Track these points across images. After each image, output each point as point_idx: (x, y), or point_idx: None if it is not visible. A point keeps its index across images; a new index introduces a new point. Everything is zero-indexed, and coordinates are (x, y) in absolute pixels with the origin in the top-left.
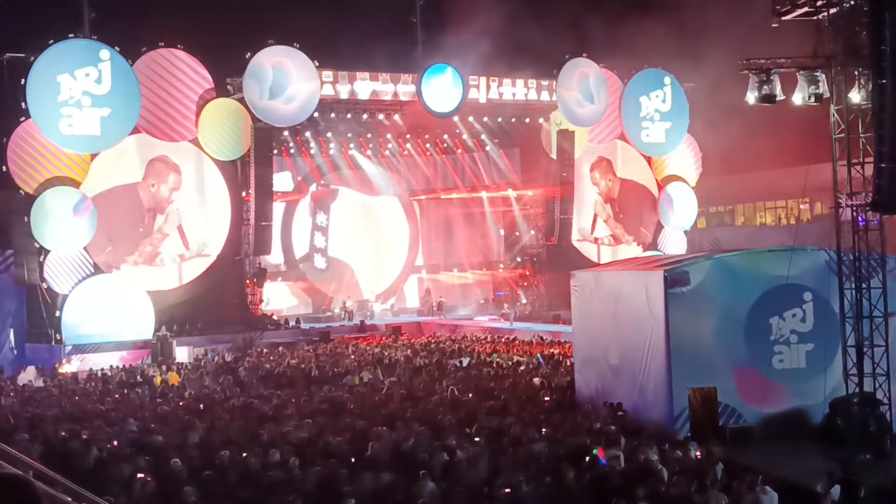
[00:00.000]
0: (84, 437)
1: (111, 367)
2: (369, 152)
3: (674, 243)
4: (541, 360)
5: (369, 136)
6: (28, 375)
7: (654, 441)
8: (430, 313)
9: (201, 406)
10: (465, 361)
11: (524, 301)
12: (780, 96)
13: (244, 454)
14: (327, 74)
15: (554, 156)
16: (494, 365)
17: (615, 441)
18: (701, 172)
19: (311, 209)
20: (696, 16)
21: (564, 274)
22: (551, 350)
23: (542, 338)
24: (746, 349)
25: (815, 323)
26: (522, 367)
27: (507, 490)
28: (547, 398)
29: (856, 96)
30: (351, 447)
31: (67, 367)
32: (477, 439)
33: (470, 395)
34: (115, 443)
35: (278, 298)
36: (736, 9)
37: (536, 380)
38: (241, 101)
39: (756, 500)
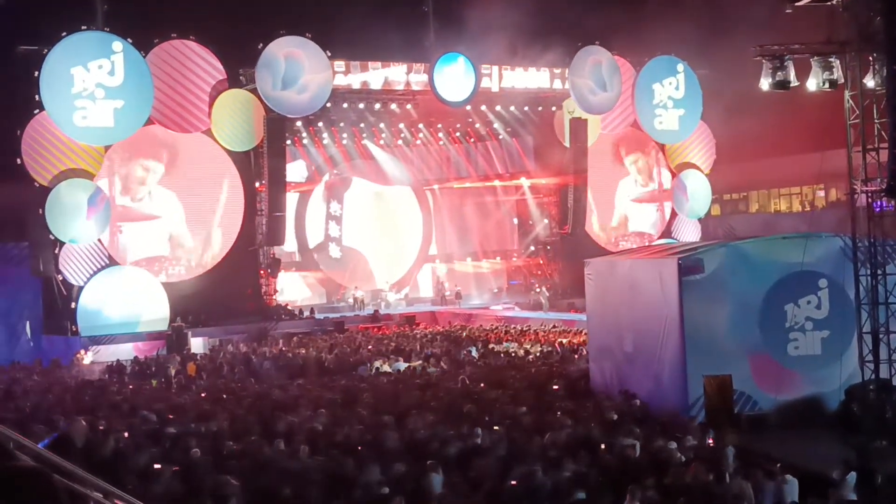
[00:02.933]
0: (101, 427)
1: (136, 357)
2: (382, 142)
3: (688, 231)
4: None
5: (382, 125)
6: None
7: (669, 429)
8: (444, 302)
9: (216, 396)
10: (473, 351)
11: (538, 290)
12: (794, 82)
13: (259, 444)
14: (339, 64)
15: (567, 144)
16: (510, 354)
17: (630, 429)
18: (715, 160)
19: (324, 198)
20: (709, 2)
21: (578, 262)
22: (562, 339)
23: (554, 326)
24: (761, 336)
25: (831, 310)
26: (535, 356)
27: (522, 479)
28: (558, 387)
29: (870, 82)
30: (365, 437)
31: (84, 359)
32: (497, 427)
33: (483, 384)
34: (133, 433)
35: (292, 289)
36: None
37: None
38: (254, 91)
39: (777, 490)
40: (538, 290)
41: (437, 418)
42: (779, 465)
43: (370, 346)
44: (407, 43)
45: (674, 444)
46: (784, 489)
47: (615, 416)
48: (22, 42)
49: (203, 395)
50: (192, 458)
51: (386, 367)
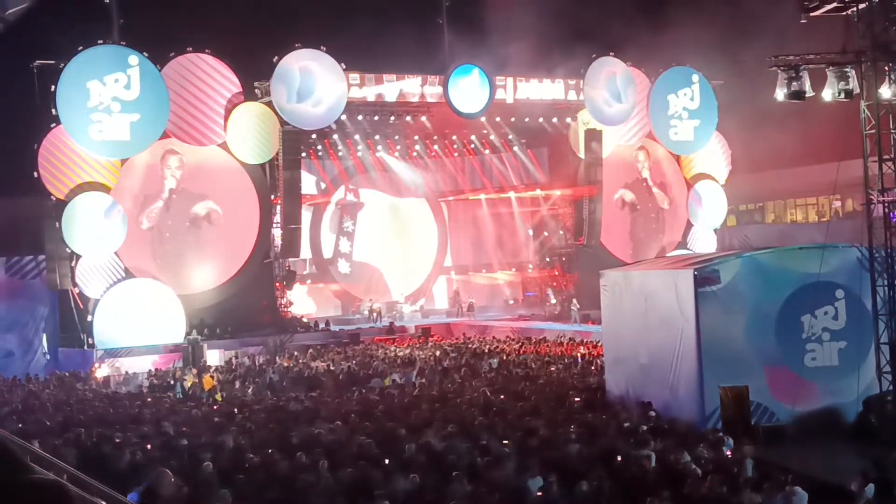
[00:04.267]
0: (117, 440)
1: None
2: (397, 154)
3: (703, 242)
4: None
5: (397, 137)
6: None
7: (685, 440)
8: (460, 314)
9: (233, 409)
10: (495, 362)
11: (553, 301)
12: (809, 93)
13: (275, 457)
14: (354, 77)
15: (582, 155)
16: (526, 365)
17: (646, 441)
18: (730, 170)
19: (337, 215)
20: (724, 13)
21: (594, 273)
22: (578, 351)
23: (571, 338)
24: (778, 347)
25: (848, 320)
26: (552, 368)
27: (539, 491)
28: (577, 398)
29: (886, 92)
30: (381, 449)
31: (100, 372)
32: (507, 441)
33: (501, 396)
34: (149, 446)
35: (308, 301)
36: (764, 5)
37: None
38: (269, 104)
39: (786, 501)
40: (553, 301)
41: (454, 430)
42: (790, 476)
43: (385, 358)
44: (422, 55)
45: (690, 456)
46: (793, 501)
47: (631, 428)
48: (38, 56)
49: (217, 407)
50: (204, 472)
51: (401, 380)
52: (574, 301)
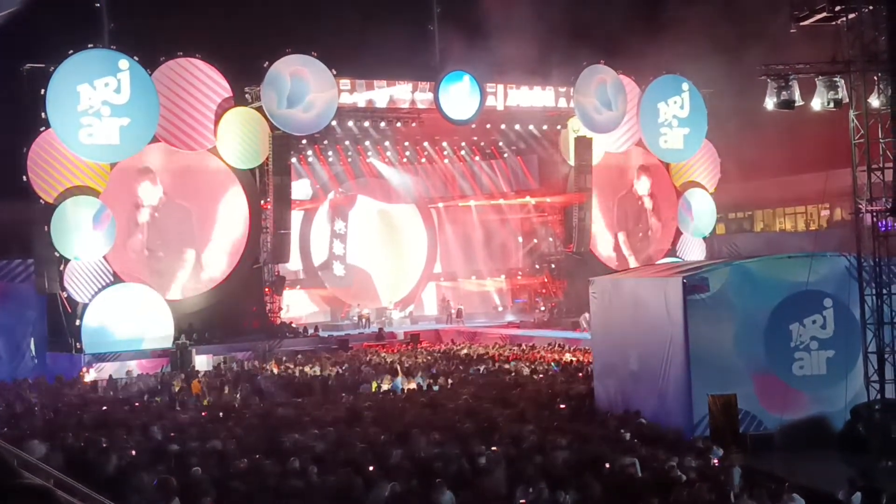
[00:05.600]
0: (104, 445)
1: (136, 374)
2: (387, 160)
3: (693, 250)
4: (556, 368)
5: (387, 143)
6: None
7: (673, 448)
8: (449, 321)
9: (221, 414)
10: (482, 369)
11: (543, 308)
12: (798, 102)
13: (264, 462)
14: (345, 83)
15: (572, 162)
16: (514, 372)
17: (631, 448)
18: (720, 178)
19: (329, 217)
20: (715, 21)
21: (583, 281)
22: (566, 357)
23: (560, 345)
24: (766, 356)
25: (836, 329)
26: (540, 375)
27: (527, 498)
28: (563, 405)
29: (875, 101)
30: (368, 456)
31: (87, 377)
32: (495, 448)
33: (485, 404)
34: (136, 451)
35: (297, 306)
36: (754, 14)
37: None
38: (260, 109)
39: None
40: (542, 308)
41: (442, 437)
42: (787, 484)
43: (374, 364)
44: (413, 61)
45: (678, 463)
46: None
47: (619, 435)
48: (28, 60)
49: (205, 413)
50: (193, 477)
51: (386, 385)
52: (585, 314)
